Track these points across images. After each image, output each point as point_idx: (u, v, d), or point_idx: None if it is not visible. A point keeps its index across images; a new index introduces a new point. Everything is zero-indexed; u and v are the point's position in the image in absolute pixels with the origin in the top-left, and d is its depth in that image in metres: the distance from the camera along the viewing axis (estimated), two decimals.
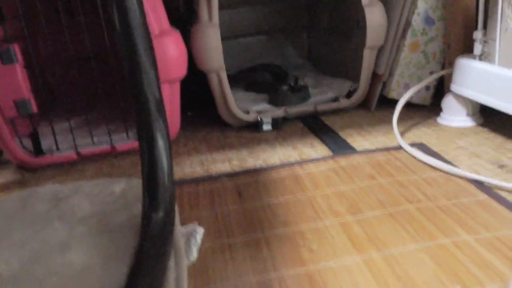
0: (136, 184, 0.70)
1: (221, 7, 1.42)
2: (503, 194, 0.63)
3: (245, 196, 0.69)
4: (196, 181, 0.76)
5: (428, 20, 0.97)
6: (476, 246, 0.52)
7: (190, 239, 0.58)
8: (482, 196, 0.62)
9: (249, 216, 0.63)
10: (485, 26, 0.84)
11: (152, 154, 0.50)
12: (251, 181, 0.74)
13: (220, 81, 0.94)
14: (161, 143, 0.50)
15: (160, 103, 0.48)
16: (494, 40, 0.81)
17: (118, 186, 0.68)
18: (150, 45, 0.46)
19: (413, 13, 0.96)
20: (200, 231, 0.59)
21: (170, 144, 0.52)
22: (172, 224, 0.51)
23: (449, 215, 0.58)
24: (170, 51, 0.84)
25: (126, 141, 0.89)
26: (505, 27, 0.78)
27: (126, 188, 0.69)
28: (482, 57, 0.85)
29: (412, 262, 0.50)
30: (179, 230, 0.53)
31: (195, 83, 1.12)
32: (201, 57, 0.91)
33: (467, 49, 0.91)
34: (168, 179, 0.50)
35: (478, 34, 0.84)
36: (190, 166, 0.83)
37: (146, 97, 0.48)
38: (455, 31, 0.93)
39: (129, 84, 0.47)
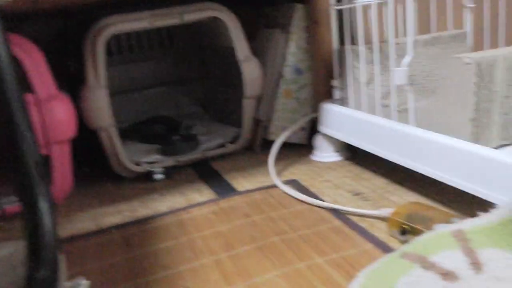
0: (23, 247, 0.73)
1: (115, 62, 1.49)
2: (354, 219, 0.74)
3: (132, 246, 0.74)
4: (86, 236, 0.79)
5: (298, 71, 1.10)
6: (325, 266, 0.61)
7: None
8: (337, 222, 0.73)
9: (134, 265, 0.68)
10: (341, 75, 0.98)
11: (35, 217, 0.54)
12: (139, 230, 0.79)
13: (110, 137, 0.99)
14: (43, 205, 0.55)
15: (41, 165, 0.53)
16: (347, 87, 0.95)
17: (5, 250, 0.70)
18: (25, 111, 0.51)
19: (284, 65, 1.08)
20: (85, 284, 0.63)
21: (52, 204, 0.57)
22: (55, 282, 0.55)
23: (307, 242, 0.68)
24: (58, 114, 0.89)
25: (17, 203, 0.91)
26: (354, 76, 0.92)
27: (13, 251, 0.72)
28: (340, 101, 0.98)
29: (271, 287, 0.58)
30: (63, 286, 0.57)
31: (91, 139, 1.16)
32: (90, 117, 0.96)
33: (330, 95, 1.05)
34: (52, 239, 0.55)
35: (335, 82, 0.98)
36: (81, 222, 0.86)
37: (26, 161, 0.52)
38: (319, 80, 1.07)
39: (8, 149, 0.51)
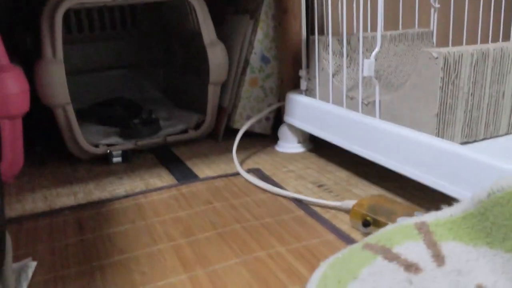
0: None
1: (75, 41, 1.43)
2: (317, 209, 0.73)
3: (85, 228, 0.71)
4: (36, 216, 0.75)
5: (264, 59, 1.08)
6: (287, 255, 0.60)
7: (21, 274, 0.58)
8: (299, 212, 0.72)
9: (87, 248, 0.65)
10: (308, 65, 0.97)
11: None
12: (94, 213, 0.76)
13: (66, 116, 0.94)
14: None
15: None
16: (315, 78, 0.94)
17: None
18: None
19: (251, 52, 1.07)
20: (32, 266, 0.59)
21: (1, 185, 0.53)
22: (0, 262, 0.51)
23: (270, 231, 0.66)
24: (9, 87, 0.83)
25: None
26: (322, 67, 0.92)
27: None
28: (306, 92, 0.98)
29: (231, 275, 0.56)
30: (10, 267, 0.54)
31: (45, 117, 1.10)
32: (45, 93, 0.91)
33: (297, 85, 1.04)
34: None
35: (302, 72, 0.97)
36: (32, 202, 0.82)
37: None
38: (286, 69, 1.06)
39: None
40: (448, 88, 0.67)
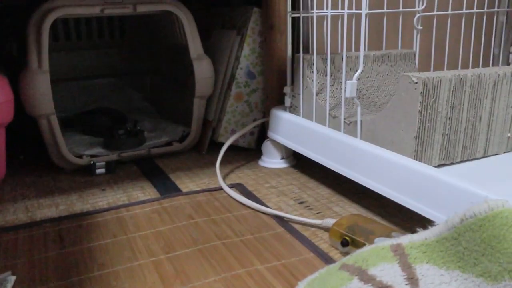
0: None
1: (62, 48, 1.43)
2: (297, 227, 0.74)
3: (66, 242, 0.71)
4: (16, 228, 0.75)
5: (250, 74, 1.10)
6: (265, 273, 0.61)
7: None
8: (280, 229, 0.73)
9: (68, 261, 0.65)
10: (293, 82, 0.98)
11: None
12: (75, 225, 0.76)
13: (50, 126, 0.94)
14: None
15: None
16: (299, 95, 0.95)
17: None
18: None
19: (237, 67, 1.08)
20: (11, 280, 0.59)
21: None
22: None
23: (250, 248, 0.67)
24: None
25: None
26: (306, 85, 0.93)
27: None
28: (291, 109, 0.99)
29: None
30: None
31: (28, 126, 1.10)
32: (30, 103, 0.91)
33: (281, 101, 1.05)
34: None
35: (287, 89, 0.99)
36: (13, 213, 0.81)
37: None
38: (271, 85, 1.07)
39: None
40: (427, 112, 0.69)
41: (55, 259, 0.65)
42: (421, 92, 0.68)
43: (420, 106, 0.69)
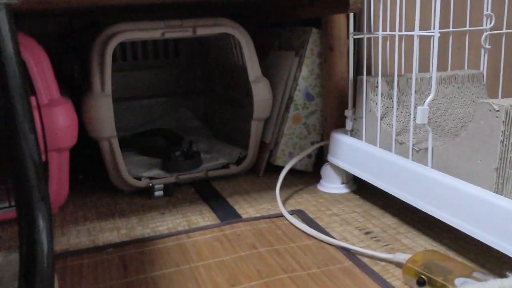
0: (14, 258, 0.68)
1: (118, 69, 1.45)
2: (366, 260, 0.71)
3: (129, 269, 0.70)
4: (80, 252, 0.75)
5: (308, 96, 1.07)
6: None
7: None
8: (347, 263, 0.69)
9: None
10: (355, 105, 0.95)
11: (31, 230, 0.50)
12: (137, 252, 0.75)
13: (111, 149, 0.95)
14: (41, 223, 0.50)
15: (40, 169, 0.48)
16: (361, 118, 0.92)
17: None
18: (29, 110, 0.47)
19: (295, 89, 1.06)
20: None
21: (51, 221, 0.52)
22: None
23: (318, 284, 0.64)
24: (59, 121, 0.85)
25: (8, 210, 0.86)
26: (369, 108, 0.90)
27: (3, 263, 0.67)
28: (352, 132, 0.96)
29: None
30: None
31: (88, 147, 1.12)
32: (93, 126, 0.93)
33: (340, 124, 1.02)
34: (47, 261, 0.50)
35: (348, 112, 0.96)
36: (77, 236, 0.82)
37: (26, 163, 0.48)
38: (330, 107, 1.05)
39: (7, 150, 0.47)
40: (509, 142, 0.65)
41: None
42: (503, 121, 0.64)
43: (502, 136, 0.64)
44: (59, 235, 0.83)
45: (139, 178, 1.00)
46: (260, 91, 1.04)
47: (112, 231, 0.83)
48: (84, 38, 1.17)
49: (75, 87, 1.14)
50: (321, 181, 1.02)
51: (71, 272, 0.69)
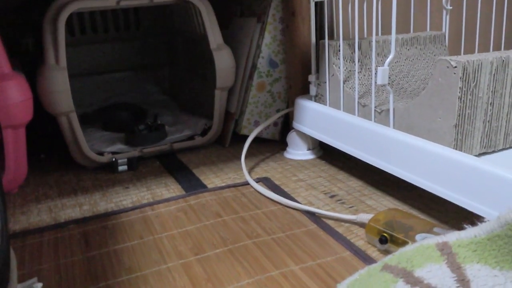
0: None
1: (80, 43, 1.40)
2: (330, 223, 0.71)
3: (92, 244, 0.68)
4: (40, 230, 0.73)
5: (272, 63, 1.06)
6: (301, 275, 0.58)
7: None
8: (312, 226, 0.69)
9: (94, 265, 0.63)
10: (318, 70, 0.94)
11: None
12: (99, 226, 0.73)
13: (70, 124, 0.92)
14: None
15: None
16: (325, 83, 0.91)
17: None
18: None
19: (258, 56, 1.04)
20: (38, 287, 0.57)
21: (3, 196, 0.50)
22: (5, 284, 0.49)
23: (282, 247, 0.64)
24: (12, 96, 0.81)
25: None
26: (332, 72, 0.89)
27: None
28: (316, 98, 0.95)
29: None
30: None
31: (49, 124, 1.08)
32: (49, 101, 0.89)
33: (305, 90, 1.01)
34: (1, 238, 0.48)
35: (312, 78, 0.95)
36: (37, 215, 0.80)
37: None
38: (294, 74, 1.03)
39: None
40: (467, 98, 0.65)
41: (82, 264, 0.63)
42: (460, 77, 0.64)
43: (460, 92, 0.64)
44: (18, 214, 0.80)
45: (101, 154, 0.98)
46: (222, 59, 1.02)
47: (74, 208, 0.81)
48: (40, 11, 1.12)
49: (30, 62, 1.09)
50: (287, 149, 1.01)
51: (30, 250, 0.67)
